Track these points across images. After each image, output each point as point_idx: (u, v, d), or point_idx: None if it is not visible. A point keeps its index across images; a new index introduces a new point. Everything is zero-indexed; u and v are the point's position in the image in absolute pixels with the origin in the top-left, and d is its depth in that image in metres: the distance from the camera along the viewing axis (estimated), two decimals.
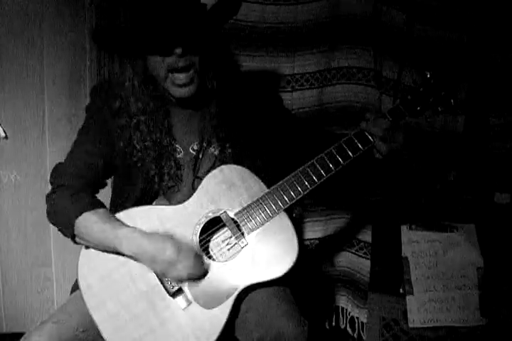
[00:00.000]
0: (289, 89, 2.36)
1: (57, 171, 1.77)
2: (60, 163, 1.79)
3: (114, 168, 1.81)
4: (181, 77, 1.65)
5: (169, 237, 1.61)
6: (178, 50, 1.60)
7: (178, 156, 1.78)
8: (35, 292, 2.52)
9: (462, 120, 2.37)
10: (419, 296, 2.26)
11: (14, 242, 2.47)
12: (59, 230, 1.72)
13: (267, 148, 1.85)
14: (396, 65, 2.32)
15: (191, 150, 1.80)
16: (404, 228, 2.30)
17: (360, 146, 1.67)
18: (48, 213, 1.74)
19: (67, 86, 2.42)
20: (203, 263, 1.63)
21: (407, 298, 2.26)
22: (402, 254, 2.29)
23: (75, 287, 1.74)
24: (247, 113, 1.81)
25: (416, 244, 2.30)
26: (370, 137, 1.67)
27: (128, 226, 1.65)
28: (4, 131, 2.38)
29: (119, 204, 1.81)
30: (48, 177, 1.79)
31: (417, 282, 2.26)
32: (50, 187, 1.78)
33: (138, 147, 1.74)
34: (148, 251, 1.59)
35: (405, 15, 2.25)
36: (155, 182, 1.76)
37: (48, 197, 1.74)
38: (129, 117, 1.74)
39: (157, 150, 1.75)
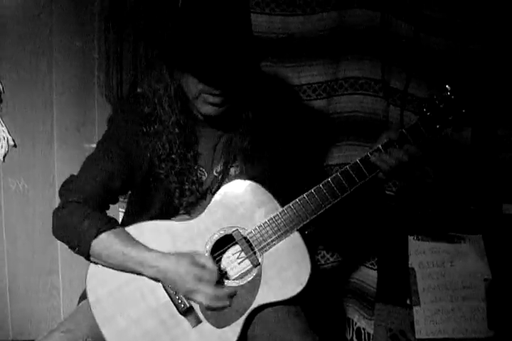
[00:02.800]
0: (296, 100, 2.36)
1: (69, 185, 1.70)
2: (73, 176, 1.73)
3: (131, 185, 1.77)
4: (212, 98, 1.59)
5: (194, 264, 1.58)
6: (216, 92, 1.57)
7: (201, 179, 1.75)
8: (41, 300, 2.53)
9: (469, 130, 2.36)
10: (426, 307, 2.24)
11: (21, 250, 2.48)
12: (70, 248, 1.67)
13: (286, 172, 1.82)
14: (403, 75, 2.31)
15: (214, 173, 1.76)
16: (411, 239, 2.29)
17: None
18: (57, 229, 1.68)
19: (76, 95, 2.44)
20: (223, 290, 1.61)
21: (414, 309, 2.25)
22: (409, 265, 2.28)
23: (83, 296, 1.73)
24: (274, 137, 1.79)
25: (423, 255, 2.29)
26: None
27: (150, 249, 1.61)
28: (13, 140, 2.39)
29: (135, 217, 1.77)
30: (57, 187, 1.77)
31: (424, 293, 2.25)
32: (57, 195, 1.73)
33: (163, 157, 1.69)
34: (171, 279, 1.58)
35: (413, 27, 2.25)
36: (176, 196, 1.72)
37: (57, 212, 1.68)
38: (160, 126, 1.69)
39: (181, 164, 1.70)
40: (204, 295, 1.57)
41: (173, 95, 1.66)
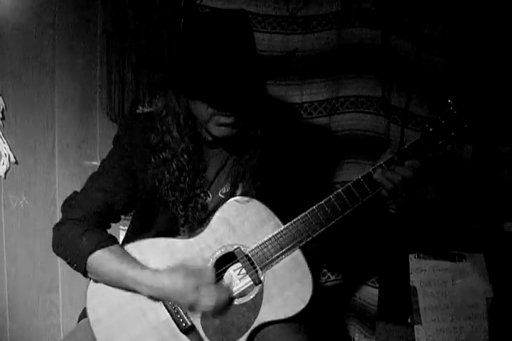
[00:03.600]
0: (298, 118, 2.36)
1: (71, 202, 1.69)
2: (75, 193, 1.73)
3: (133, 206, 1.76)
4: (224, 119, 1.57)
5: (188, 276, 1.56)
6: (228, 112, 1.56)
7: (206, 201, 1.73)
8: (41, 318, 2.51)
9: (470, 147, 2.37)
10: (428, 326, 2.23)
11: (21, 267, 2.47)
12: (68, 264, 1.66)
13: (288, 189, 1.81)
14: (404, 93, 2.32)
15: (220, 194, 1.75)
16: (412, 257, 2.28)
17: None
18: (56, 245, 1.68)
19: (78, 112, 2.45)
20: (224, 294, 1.59)
21: (416, 327, 2.23)
22: (410, 283, 2.27)
23: (83, 315, 1.72)
24: (279, 155, 1.77)
25: (424, 273, 2.28)
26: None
27: (146, 268, 1.59)
28: (14, 156, 2.39)
29: (136, 236, 1.76)
30: (58, 204, 1.77)
31: (426, 311, 2.24)
32: (58, 212, 1.74)
33: (171, 186, 1.68)
34: (170, 296, 1.57)
35: (414, 46, 2.27)
36: (180, 224, 1.72)
37: (57, 227, 1.68)
38: (169, 154, 1.67)
39: (189, 193, 1.69)
40: (207, 300, 1.54)
41: (183, 122, 1.65)
